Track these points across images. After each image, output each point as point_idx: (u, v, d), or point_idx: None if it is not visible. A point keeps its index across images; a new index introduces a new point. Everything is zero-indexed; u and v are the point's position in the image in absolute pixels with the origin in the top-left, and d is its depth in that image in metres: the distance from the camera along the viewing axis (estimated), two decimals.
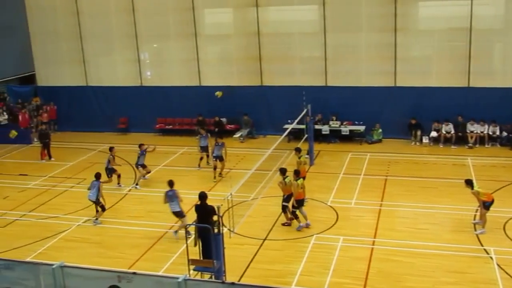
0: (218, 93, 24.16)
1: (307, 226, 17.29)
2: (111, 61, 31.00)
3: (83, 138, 29.10)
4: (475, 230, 16.68)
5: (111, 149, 22.07)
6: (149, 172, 22.52)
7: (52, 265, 9.01)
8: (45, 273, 9.05)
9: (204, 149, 23.61)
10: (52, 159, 25.63)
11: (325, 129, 26.41)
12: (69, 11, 30.14)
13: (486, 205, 16.57)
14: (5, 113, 30.09)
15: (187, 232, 15.66)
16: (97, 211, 18.44)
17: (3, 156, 26.92)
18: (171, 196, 16.85)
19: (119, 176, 21.86)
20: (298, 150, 19.75)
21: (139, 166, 22.03)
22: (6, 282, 8.99)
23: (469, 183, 16.90)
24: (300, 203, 17.28)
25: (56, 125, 31.09)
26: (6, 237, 17.67)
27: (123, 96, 30.20)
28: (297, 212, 17.34)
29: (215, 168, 22.22)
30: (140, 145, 22.29)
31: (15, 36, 30.83)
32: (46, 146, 25.83)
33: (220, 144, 22.16)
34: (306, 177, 19.45)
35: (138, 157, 21.99)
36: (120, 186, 21.78)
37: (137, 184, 21.87)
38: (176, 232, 17.03)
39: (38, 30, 31.18)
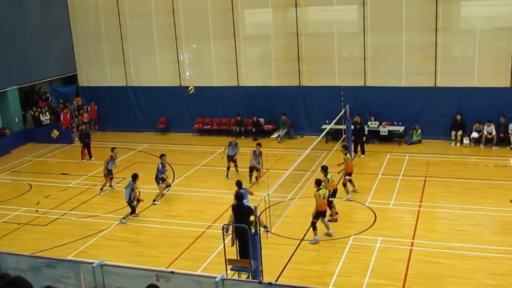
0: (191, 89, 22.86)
1: (329, 235, 16.81)
2: (151, 62, 31.39)
3: (123, 138, 29.53)
4: None
5: (112, 149, 21.99)
6: (169, 186, 21.16)
7: (92, 263, 9.17)
8: (86, 271, 9.22)
9: (231, 158, 22.46)
10: (93, 158, 26.00)
11: (365, 131, 26.09)
12: (111, 12, 30.65)
13: None
14: (47, 113, 30.75)
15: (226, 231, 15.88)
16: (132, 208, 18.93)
17: (45, 156, 27.52)
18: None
19: (111, 179, 21.81)
20: (345, 147, 20.46)
21: (107, 174, 21.48)
22: (48, 279, 9.19)
23: None
24: (321, 214, 16.61)
25: (96, 125, 31.64)
26: (48, 235, 18.07)
27: (162, 96, 30.53)
28: (318, 222, 16.58)
29: (252, 177, 21.77)
30: (112, 149, 21.93)
31: (58, 36, 31.49)
32: (86, 146, 26.23)
33: (258, 153, 21.48)
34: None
35: (108, 162, 21.51)
36: (112, 187, 21.84)
37: (154, 201, 20.36)
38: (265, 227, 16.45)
39: (80, 31, 31.80)
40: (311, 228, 16.53)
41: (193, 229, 17.72)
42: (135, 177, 19.04)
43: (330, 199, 17.82)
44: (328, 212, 17.39)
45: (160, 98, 30.58)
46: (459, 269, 14.54)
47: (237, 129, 28.60)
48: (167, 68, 30.72)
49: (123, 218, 18.72)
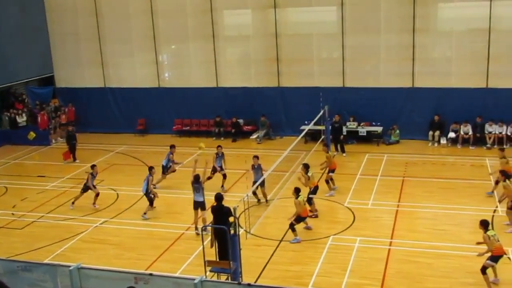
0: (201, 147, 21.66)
1: (309, 228, 17.22)
2: (129, 63, 31.16)
3: (102, 140, 29.31)
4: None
5: (93, 166, 20.50)
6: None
7: (69, 266, 9.08)
8: (63, 274, 9.13)
9: (218, 169, 21.21)
10: (77, 161, 25.65)
11: (343, 130, 26.26)
12: (89, 13, 30.37)
13: None
14: (24, 114, 30.38)
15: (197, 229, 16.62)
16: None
17: (22, 158, 27.18)
18: (197, 188, 17.16)
19: (97, 195, 20.07)
20: (326, 145, 20.97)
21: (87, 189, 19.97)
22: (24, 283, 9.08)
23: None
24: (303, 219, 16.73)
25: (74, 126, 31.26)
26: (25, 238, 17.83)
27: (141, 98, 30.37)
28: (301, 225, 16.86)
29: (263, 197, 19.46)
30: (93, 166, 20.50)
31: (35, 37, 31.11)
32: (72, 147, 25.89)
33: (256, 166, 19.42)
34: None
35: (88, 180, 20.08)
36: (95, 206, 19.99)
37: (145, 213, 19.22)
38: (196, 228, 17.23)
39: (57, 31, 31.48)
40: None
41: (172, 231, 17.64)
42: (151, 169, 19.02)
43: (310, 195, 18.03)
44: (308, 208, 17.50)
45: (139, 99, 30.41)
46: (438, 268, 14.66)
47: (217, 130, 28.58)
48: (145, 69, 30.51)
49: (144, 214, 18.74)
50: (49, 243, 17.27)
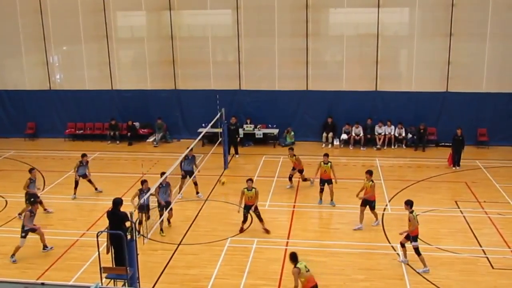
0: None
1: None
2: (17, 64, 29.73)
3: None
4: (374, 222, 17.61)
5: (30, 170, 18.80)
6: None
7: None
8: None
9: (188, 173, 20.13)
10: None
11: (240, 132, 26.58)
12: None
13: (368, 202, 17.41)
14: None
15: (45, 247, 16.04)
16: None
17: None
18: None
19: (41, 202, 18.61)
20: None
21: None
22: None
23: (369, 173, 17.60)
24: None
25: None
26: None
27: (30, 101, 29.12)
28: None
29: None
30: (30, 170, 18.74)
31: None
32: None
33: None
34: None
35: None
36: (48, 211, 18.94)
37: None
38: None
39: None
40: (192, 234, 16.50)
41: (65, 238, 17.04)
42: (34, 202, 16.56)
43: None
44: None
45: (28, 102, 29.15)
46: (331, 266, 15.14)
47: (111, 134, 27.98)
48: (35, 70, 29.30)
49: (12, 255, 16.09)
50: None
